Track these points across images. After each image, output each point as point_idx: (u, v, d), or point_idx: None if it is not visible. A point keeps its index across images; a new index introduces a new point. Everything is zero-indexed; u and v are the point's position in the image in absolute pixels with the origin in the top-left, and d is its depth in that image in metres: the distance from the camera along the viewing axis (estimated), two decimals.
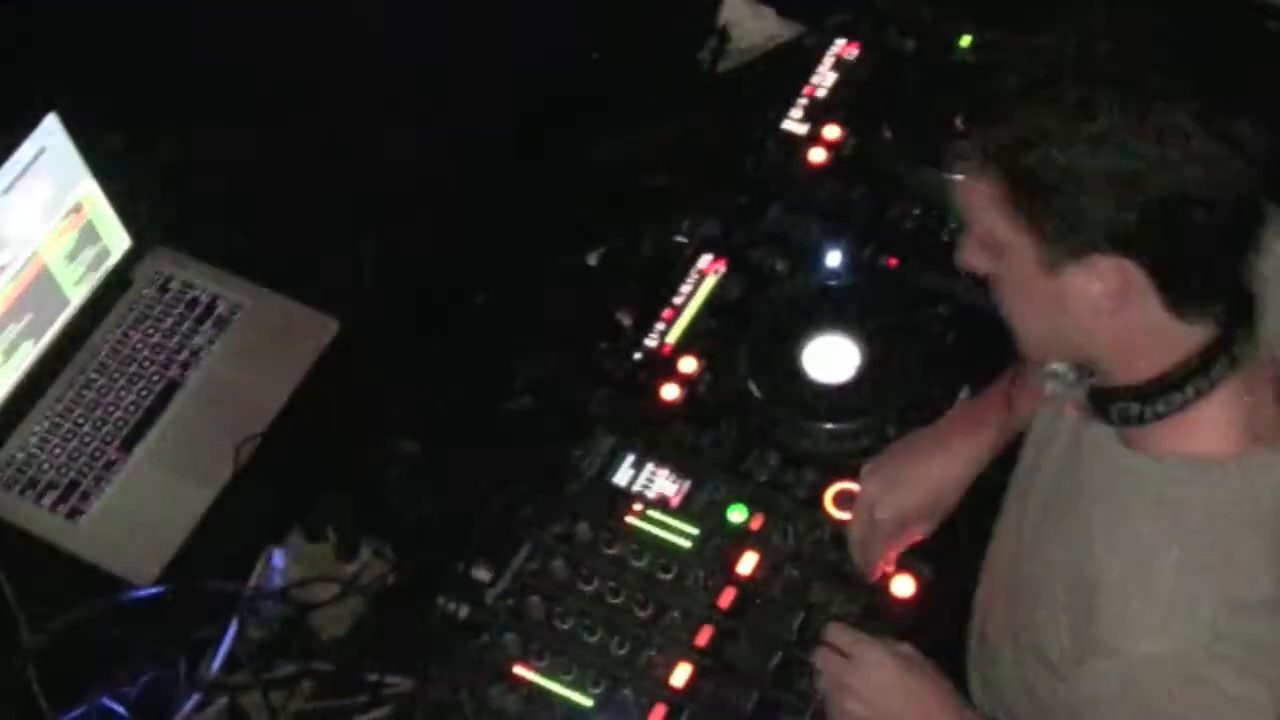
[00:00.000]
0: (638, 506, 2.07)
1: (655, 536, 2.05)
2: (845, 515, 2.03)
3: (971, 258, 1.56)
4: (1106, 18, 1.42)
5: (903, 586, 1.97)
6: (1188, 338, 1.49)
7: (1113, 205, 1.39)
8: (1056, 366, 1.63)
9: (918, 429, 2.02)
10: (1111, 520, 1.58)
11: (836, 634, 1.84)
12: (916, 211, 2.31)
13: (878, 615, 1.96)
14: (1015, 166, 1.42)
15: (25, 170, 2.11)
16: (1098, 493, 1.63)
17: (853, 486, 2.04)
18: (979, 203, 1.49)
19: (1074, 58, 1.40)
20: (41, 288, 2.19)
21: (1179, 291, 1.46)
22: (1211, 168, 1.38)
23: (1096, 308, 1.47)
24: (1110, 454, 1.60)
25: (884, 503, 1.94)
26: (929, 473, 1.94)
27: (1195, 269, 1.45)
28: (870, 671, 1.80)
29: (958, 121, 1.48)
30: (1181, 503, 1.53)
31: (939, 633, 2.08)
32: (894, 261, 2.27)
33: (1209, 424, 1.53)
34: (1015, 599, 1.76)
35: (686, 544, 2.04)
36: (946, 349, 2.18)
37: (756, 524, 2.05)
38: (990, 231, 1.50)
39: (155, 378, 2.24)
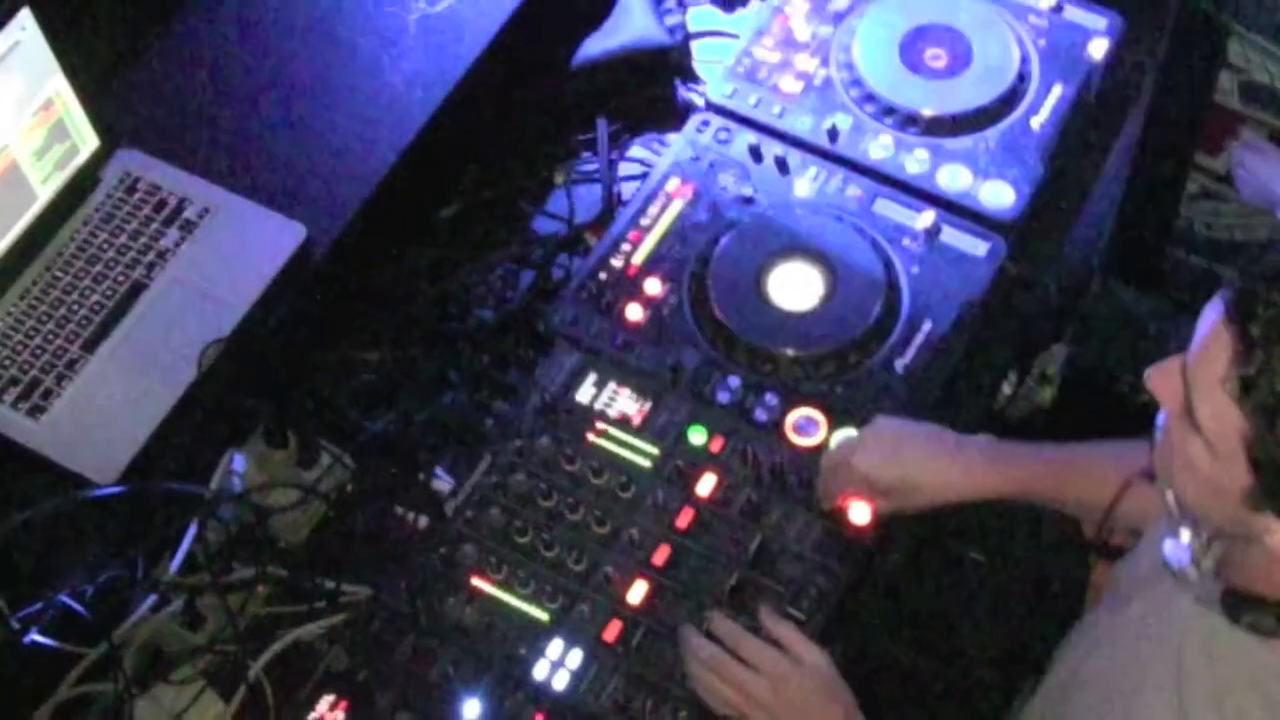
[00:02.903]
0: (599, 424, 2.08)
1: (615, 455, 2.07)
2: (804, 441, 2.05)
3: (1173, 419, 1.48)
4: None
5: (859, 514, 1.99)
6: None
7: None
8: (1190, 551, 1.56)
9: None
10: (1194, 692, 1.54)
11: (741, 641, 1.84)
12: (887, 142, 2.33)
13: (834, 540, 1.99)
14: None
15: None
16: (1177, 652, 1.57)
17: (813, 413, 2.07)
18: (1216, 408, 1.40)
19: None
20: (9, 184, 2.17)
21: None
22: None
23: (1274, 552, 1.45)
24: (1208, 621, 1.55)
25: (867, 458, 1.93)
26: (926, 474, 1.93)
27: None
28: (786, 689, 1.80)
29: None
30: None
31: (891, 564, 2.12)
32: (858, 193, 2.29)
33: None
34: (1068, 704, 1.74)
35: (646, 463, 2.06)
36: (912, 281, 2.19)
37: (716, 446, 2.06)
38: (1210, 445, 1.42)
39: (120, 278, 2.23)
